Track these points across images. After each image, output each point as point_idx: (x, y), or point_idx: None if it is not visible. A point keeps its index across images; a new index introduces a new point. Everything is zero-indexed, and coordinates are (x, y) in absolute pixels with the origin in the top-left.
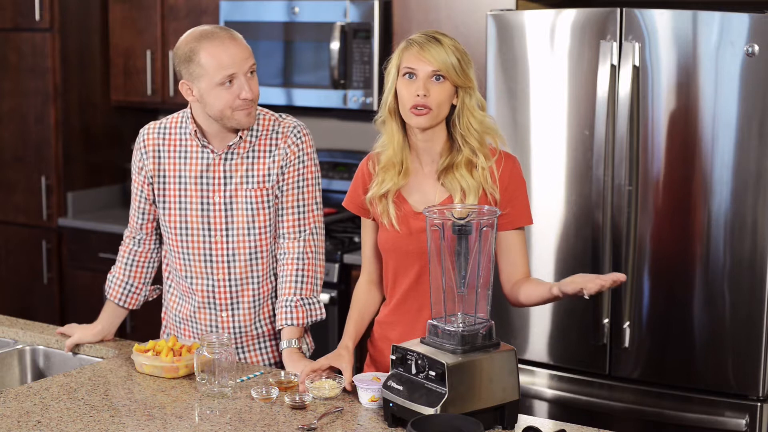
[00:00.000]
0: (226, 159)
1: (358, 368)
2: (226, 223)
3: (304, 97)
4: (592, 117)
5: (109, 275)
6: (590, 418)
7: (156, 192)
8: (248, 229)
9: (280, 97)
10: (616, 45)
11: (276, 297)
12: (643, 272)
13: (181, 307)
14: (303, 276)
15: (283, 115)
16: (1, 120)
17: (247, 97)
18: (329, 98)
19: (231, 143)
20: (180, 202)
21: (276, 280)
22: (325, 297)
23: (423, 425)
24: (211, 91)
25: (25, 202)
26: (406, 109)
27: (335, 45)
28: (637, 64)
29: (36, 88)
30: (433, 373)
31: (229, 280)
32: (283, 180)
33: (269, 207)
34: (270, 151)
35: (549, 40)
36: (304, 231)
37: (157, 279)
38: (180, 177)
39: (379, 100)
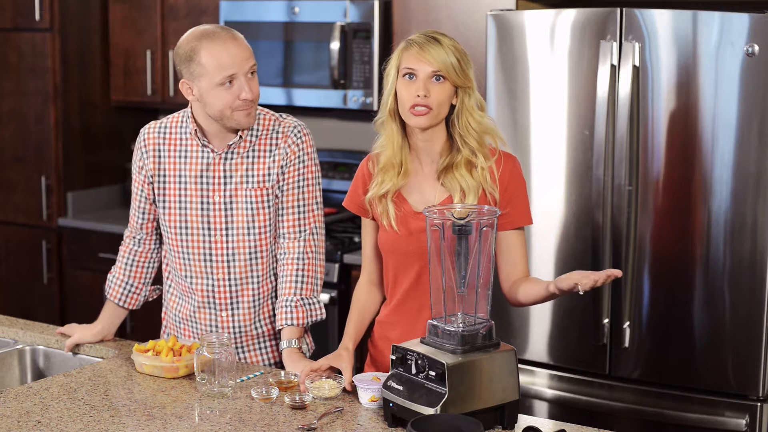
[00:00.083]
0: (226, 158)
1: (358, 368)
2: (226, 222)
3: (304, 97)
4: (592, 117)
5: (109, 275)
6: (590, 418)
7: (156, 191)
8: (248, 228)
9: (280, 97)
10: (616, 45)
11: (276, 297)
12: (643, 272)
13: (180, 307)
14: (303, 276)
15: (284, 115)
16: (1, 120)
17: (247, 98)
18: (329, 98)
19: (231, 143)
20: (180, 202)
21: (276, 280)
22: (325, 297)
23: (423, 425)
24: (211, 91)
25: (25, 202)
26: (406, 109)
27: (335, 45)
28: (637, 64)
29: (36, 88)
30: (433, 373)
31: (229, 279)
32: (284, 180)
33: (269, 207)
34: (270, 151)
35: (549, 40)
36: (305, 231)
37: (157, 279)
38: (180, 176)
39: (379, 100)
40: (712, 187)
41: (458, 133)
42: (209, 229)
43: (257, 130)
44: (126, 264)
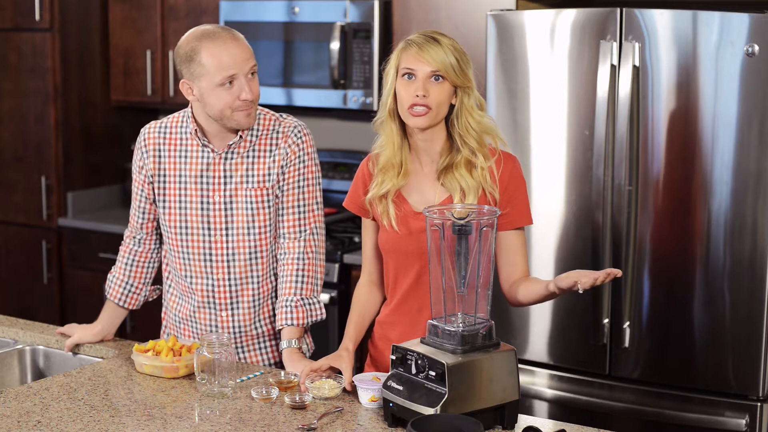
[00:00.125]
0: (226, 158)
1: (358, 368)
2: (226, 222)
3: (304, 97)
4: (592, 117)
5: (109, 275)
6: (590, 418)
7: (156, 191)
8: (248, 228)
9: (280, 97)
10: (616, 45)
11: (276, 297)
12: (643, 272)
13: (180, 306)
14: (303, 276)
15: (284, 115)
16: (1, 120)
17: (247, 98)
18: (329, 98)
19: (231, 143)
20: (180, 202)
21: (276, 280)
22: (325, 297)
23: (423, 425)
24: (211, 91)
25: (25, 202)
26: (405, 109)
27: (335, 45)
28: (637, 64)
29: (36, 88)
30: (433, 373)
31: (229, 279)
32: (284, 180)
33: (269, 207)
34: (270, 151)
35: (549, 40)
36: (305, 231)
37: (157, 279)
38: (180, 176)
39: (379, 100)
40: (712, 187)
41: (458, 133)
42: (209, 229)
43: (257, 130)
44: (126, 264)
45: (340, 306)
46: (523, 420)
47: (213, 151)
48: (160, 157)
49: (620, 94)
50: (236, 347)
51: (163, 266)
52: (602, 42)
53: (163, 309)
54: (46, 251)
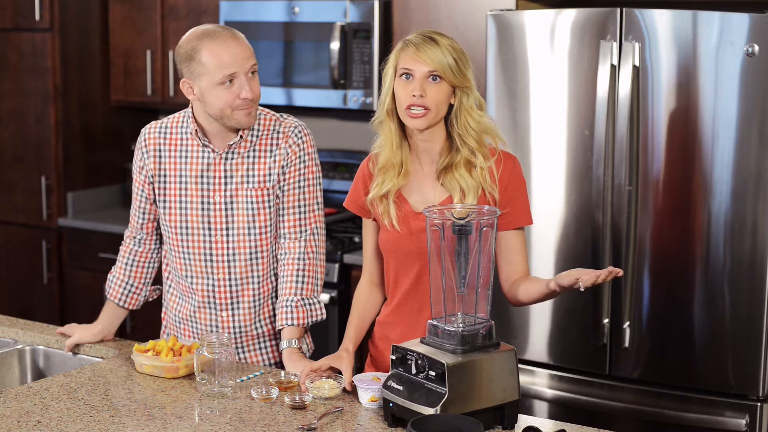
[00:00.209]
0: (226, 158)
1: (358, 368)
2: (227, 222)
3: (304, 97)
4: (592, 117)
5: (109, 275)
6: (590, 418)
7: (157, 191)
8: (248, 228)
9: (280, 97)
10: (616, 45)
11: (276, 297)
12: (643, 272)
13: (181, 307)
14: (304, 276)
15: (284, 115)
16: (1, 120)
17: (248, 97)
18: (329, 98)
19: (232, 143)
20: (180, 202)
21: (276, 280)
22: (325, 297)
23: (423, 425)
24: (211, 90)
25: (25, 202)
26: (403, 109)
27: (335, 45)
28: (637, 64)
29: (36, 88)
30: (433, 373)
31: (230, 279)
32: (284, 180)
33: (270, 207)
34: (271, 151)
35: (549, 40)
36: (305, 231)
37: (158, 279)
38: (181, 176)
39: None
40: (712, 187)
41: (457, 133)
42: (210, 229)
43: (258, 130)
44: (126, 264)
45: (340, 306)
46: (523, 420)
47: (213, 151)
48: (160, 157)
49: (620, 94)
50: (236, 347)
51: (163, 266)
52: (602, 42)
53: (163, 309)
54: (46, 251)
